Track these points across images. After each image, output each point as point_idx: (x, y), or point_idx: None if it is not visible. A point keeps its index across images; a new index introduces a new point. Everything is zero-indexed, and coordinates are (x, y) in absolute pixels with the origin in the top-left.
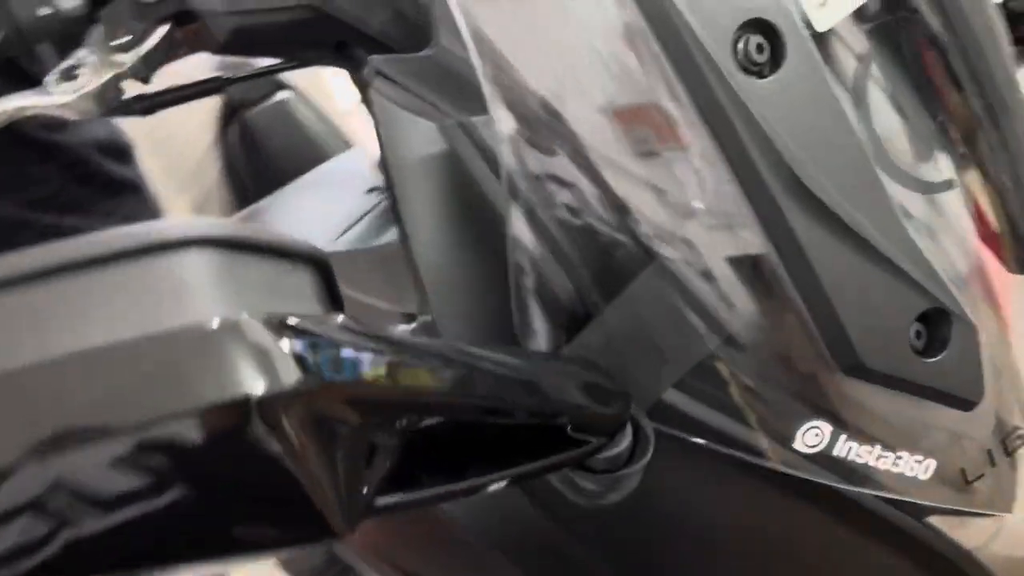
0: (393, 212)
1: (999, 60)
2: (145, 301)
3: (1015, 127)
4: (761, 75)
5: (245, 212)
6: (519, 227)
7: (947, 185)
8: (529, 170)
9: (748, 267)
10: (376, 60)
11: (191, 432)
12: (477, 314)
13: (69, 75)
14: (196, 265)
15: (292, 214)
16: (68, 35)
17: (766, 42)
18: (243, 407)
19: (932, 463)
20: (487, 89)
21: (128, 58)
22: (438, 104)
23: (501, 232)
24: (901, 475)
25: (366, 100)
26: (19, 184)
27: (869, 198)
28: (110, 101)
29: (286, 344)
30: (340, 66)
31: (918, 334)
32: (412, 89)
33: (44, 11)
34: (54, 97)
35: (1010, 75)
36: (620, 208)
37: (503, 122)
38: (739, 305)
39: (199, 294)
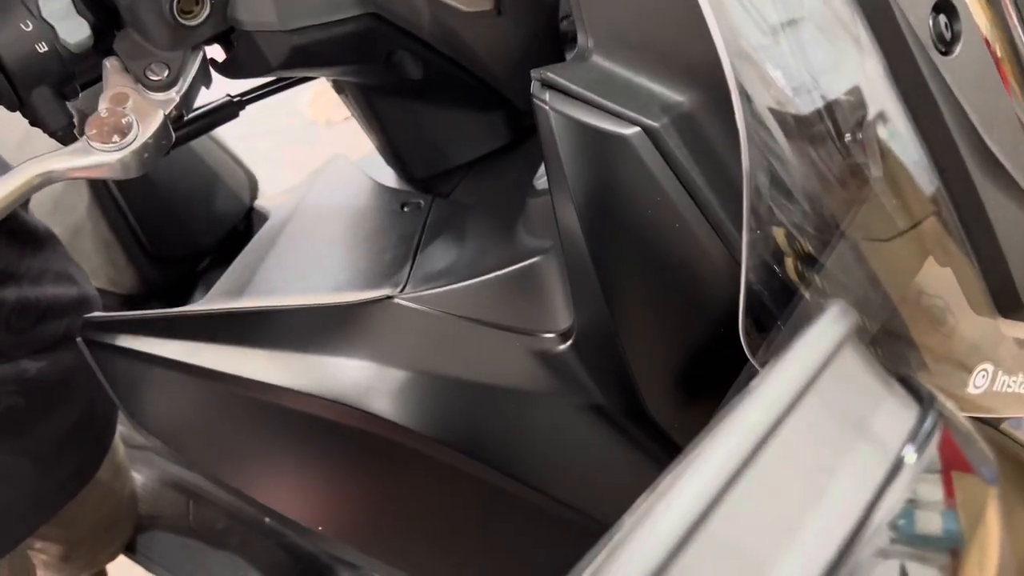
0: (561, 231)
1: None
2: None
3: None
4: (946, 52)
5: (232, 270)
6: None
7: None
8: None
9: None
10: (543, 72)
11: None
12: (655, 324)
13: (115, 127)
14: None
15: (308, 258)
16: (67, 76)
17: (948, 22)
18: None
19: None
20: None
21: (174, 94)
22: (614, 110)
23: (684, 242)
24: None
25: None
26: None
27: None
28: (164, 148)
29: None
30: (380, 79)
31: None
32: (584, 98)
33: (42, 47)
34: (101, 156)
35: None
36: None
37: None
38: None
39: None
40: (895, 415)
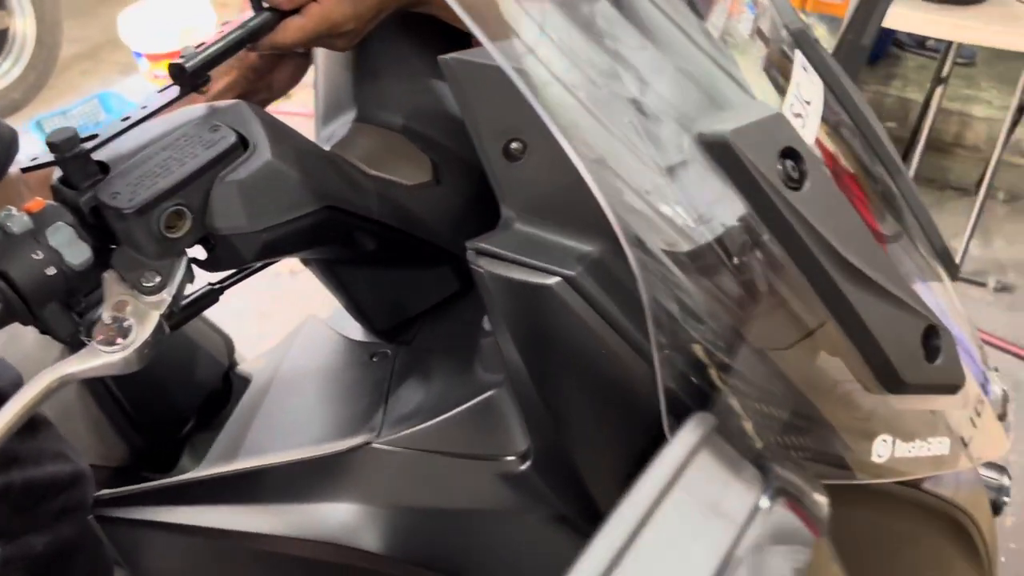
0: (508, 370)
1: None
2: None
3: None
4: (797, 188)
5: (224, 435)
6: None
7: (896, 237)
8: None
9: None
10: (476, 243)
11: None
12: (600, 436)
13: (118, 331)
14: None
15: (293, 416)
16: (72, 290)
17: (795, 164)
18: None
19: (946, 439)
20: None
21: (166, 296)
22: (537, 266)
23: (612, 364)
24: (934, 457)
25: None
26: None
27: (878, 262)
28: (160, 342)
29: None
30: (340, 254)
31: (924, 350)
32: (512, 259)
33: (51, 271)
34: (106, 357)
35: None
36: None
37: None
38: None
39: None
40: (742, 492)
